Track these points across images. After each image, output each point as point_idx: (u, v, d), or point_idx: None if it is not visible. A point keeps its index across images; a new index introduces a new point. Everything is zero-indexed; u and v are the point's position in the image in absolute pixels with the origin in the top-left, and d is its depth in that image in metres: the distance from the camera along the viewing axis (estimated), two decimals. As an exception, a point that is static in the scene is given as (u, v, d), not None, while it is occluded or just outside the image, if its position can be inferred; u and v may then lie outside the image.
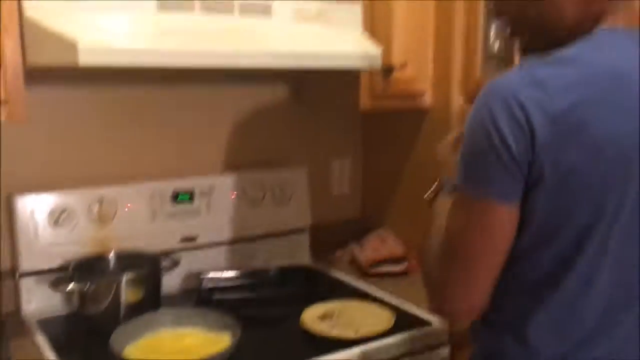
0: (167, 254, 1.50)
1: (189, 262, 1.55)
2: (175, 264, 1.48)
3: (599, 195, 0.83)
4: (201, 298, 1.50)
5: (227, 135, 1.71)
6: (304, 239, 1.78)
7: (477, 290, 0.88)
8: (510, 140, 0.80)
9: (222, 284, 1.54)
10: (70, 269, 1.36)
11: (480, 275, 0.87)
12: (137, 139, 1.58)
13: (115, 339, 1.17)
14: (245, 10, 1.31)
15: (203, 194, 1.60)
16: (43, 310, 1.40)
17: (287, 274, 1.61)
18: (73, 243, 1.43)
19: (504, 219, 0.84)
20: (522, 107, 0.80)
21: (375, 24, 1.52)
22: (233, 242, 1.65)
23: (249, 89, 1.71)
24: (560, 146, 0.80)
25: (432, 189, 1.09)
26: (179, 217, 1.56)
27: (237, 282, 1.56)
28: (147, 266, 1.40)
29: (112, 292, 1.32)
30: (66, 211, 1.43)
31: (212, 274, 1.55)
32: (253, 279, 1.58)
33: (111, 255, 1.46)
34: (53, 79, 1.43)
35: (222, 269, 1.59)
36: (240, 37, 1.29)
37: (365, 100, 1.57)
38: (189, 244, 1.58)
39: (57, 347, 1.24)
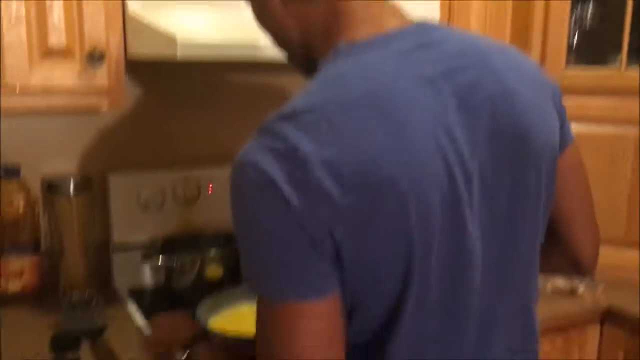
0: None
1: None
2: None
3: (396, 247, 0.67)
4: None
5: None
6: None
7: None
8: (271, 219, 0.64)
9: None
10: (159, 245, 1.46)
11: None
12: (221, 122, 1.67)
13: (200, 311, 1.26)
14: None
15: (280, 178, 1.67)
16: (133, 282, 1.52)
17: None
18: (161, 220, 1.54)
19: (324, 316, 0.66)
20: (271, 180, 0.63)
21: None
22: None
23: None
24: (331, 216, 0.64)
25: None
26: (257, 200, 1.65)
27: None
28: (228, 245, 1.49)
29: (196, 268, 1.42)
30: (155, 190, 1.53)
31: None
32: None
33: (196, 234, 1.55)
34: (145, 67, 1.53)
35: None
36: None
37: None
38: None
39: (147, 315, 1.34)
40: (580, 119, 1.58)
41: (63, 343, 1.03)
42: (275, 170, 0.63)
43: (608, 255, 1.57)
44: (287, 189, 0.63)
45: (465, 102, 0.70)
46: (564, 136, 0.84)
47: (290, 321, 0.65)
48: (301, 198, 0.63)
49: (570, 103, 0.88)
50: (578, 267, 0.92)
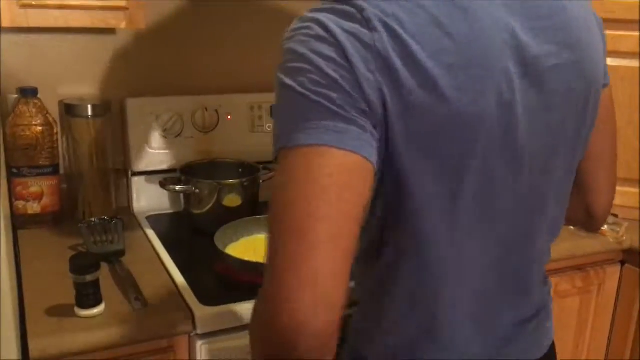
0: (263, 164, 1.56)
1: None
2: (273, 174, 1.53)
3: (447, 150, 0.68)
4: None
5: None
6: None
7: (326, 275, 0.60)
8: (330, 69, 0.63)
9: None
10: (178, 171, 1.45)
11: (327, 252, 0.60)
12: (241, 52, 1.63)
13: (218, 237, 1.26)
14: None
15: (300, 109, 1.64)
16: (151, 208, 1.52)
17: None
18: (179, 148, 1.52)
19: (351, 166, 0.63)
20: (331, 32, 0.64)
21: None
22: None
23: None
24: (385, 85, 0.64)
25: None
26: (276, 130, 1.62)
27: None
28: (247, 175, 1.48)
29: (215, 196, 1.41)
30: (173, 116, 1.51)
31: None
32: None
33: (214, 162, 1.54)
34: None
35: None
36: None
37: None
38: (285, 157, 1.64)
39: (166, 240, 1.34)
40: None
41: (82, 265, 1.03)
42: (337, 26, 0.64)
43: (633, 195, 1.55)
44: (350, 47, 0.63)
45: (530, 12, 0.71)
46: (605, 76, 0.84)
47: (321, 163, 0.62)
48: (363, 56, 0.63)
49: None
50: (591, 217, 0.93)
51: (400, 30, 0.63)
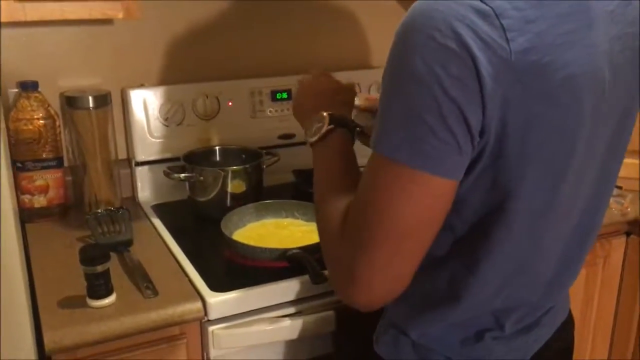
0: (266, 150, 1.56)
1: (286, 158, 1.59)
2: (276, 159, 1.54)
3: (556, 154, 0.70)
4: (298, 191, 1.57)
5: (326, 36, 1.72)
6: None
7: (403, 273, 0.70)
8: (454, 89, 0.61)
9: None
10: (181, 159, 1.45)
11: (407, 255, 0.69)
12: (238, 38, 1.62)
13: (224, 224, 1.27)
14: None
15: (301, 92, 1.64)
16: (156, 197, 1.53)
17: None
18: (181, 136, 1.52)
19: (444, 191, 0.67)
20: (463, 44, 0.60)
21: None
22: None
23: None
24: (512, 98, 0.63)
25: (320, 128, 0.88)
26: (277, 115, 1.62)
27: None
28: (250, 160, 1.48)
29: (219, 183, 1.41)
30: (174, 105, 1.51)
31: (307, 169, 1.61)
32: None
33: (217, 149, 1.54)
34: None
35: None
36: None
37: None
38: (287, 141, 1.64)
39: (172, 229, 1.35)
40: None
41: (92, 256, 1.04)
42: (472, 35, 0.60)
43: (637, 166, 1.55)
44: (483, 64, 0.60)
45: (624, 20, 0.74)
46: None
47: (415, 186, 0.65)
48: (496, 70, 0.61)
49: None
50: None
51: (537, 42, 0.62)
